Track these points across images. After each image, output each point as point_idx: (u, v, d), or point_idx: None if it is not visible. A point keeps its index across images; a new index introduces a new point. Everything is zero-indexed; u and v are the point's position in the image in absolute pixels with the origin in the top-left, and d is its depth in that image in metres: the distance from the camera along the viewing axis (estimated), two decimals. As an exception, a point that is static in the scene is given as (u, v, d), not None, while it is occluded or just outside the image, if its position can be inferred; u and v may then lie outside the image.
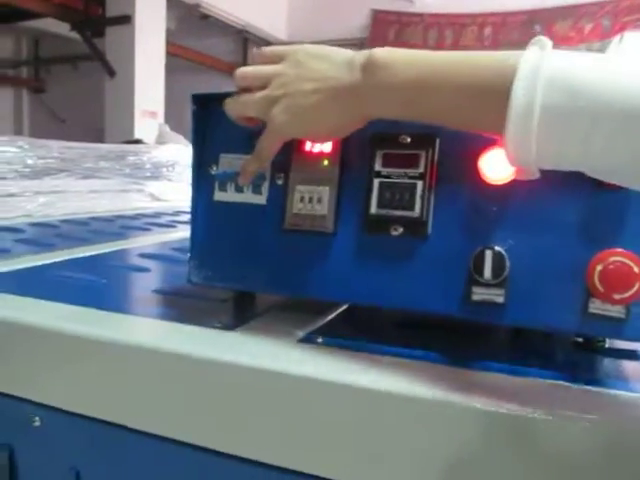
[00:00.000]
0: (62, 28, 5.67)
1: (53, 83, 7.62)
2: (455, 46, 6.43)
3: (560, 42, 5.92)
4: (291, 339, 0.56)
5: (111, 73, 5.37)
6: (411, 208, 0.54)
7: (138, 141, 3.51)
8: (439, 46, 6.48)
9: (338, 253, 0.57)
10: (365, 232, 0.56)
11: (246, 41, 7.37)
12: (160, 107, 5.48)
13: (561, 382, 0.48)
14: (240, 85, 0.56)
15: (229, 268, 0.62)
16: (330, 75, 0.50)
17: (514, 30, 6.22)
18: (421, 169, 0.54)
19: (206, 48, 7.01)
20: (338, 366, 0.50)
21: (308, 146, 0.59)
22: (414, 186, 0.54)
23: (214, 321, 0.60)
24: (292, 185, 0.59)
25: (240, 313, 0.65)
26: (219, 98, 0.63)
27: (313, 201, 0.58)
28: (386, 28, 6.79)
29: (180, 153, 2.79)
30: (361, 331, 0.61)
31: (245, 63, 7.42)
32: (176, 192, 2.48)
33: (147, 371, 0.55)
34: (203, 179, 0.63)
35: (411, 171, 0.54)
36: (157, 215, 1.77)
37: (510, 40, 6.20)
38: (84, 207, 1.98)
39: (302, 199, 0.58)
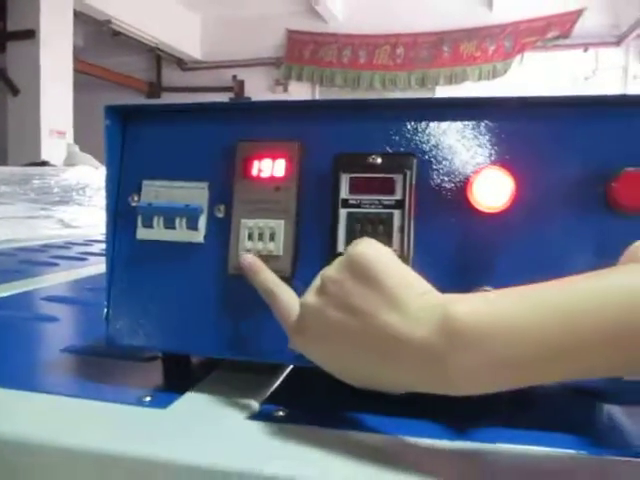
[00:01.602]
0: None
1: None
2: (369, 64, 6.56)
3: (467, 61, 6.18)
4: (243, 414, 0.44)
5: (14, 91, 5.04)
6: (388, 243, 0.43)
7: (44, 163, 3.25)
8: (353, 64, 6.59)
9: (298, 302, 0.45)
10: (331, 275, 0.45)
11: (159, 59, 7.16)
12: (69, 126, 5.20)
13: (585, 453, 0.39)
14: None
15: (158, 326, 0.49)
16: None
17: (424, 50, 6.42)
18: (398, 195, 0.44)
19: (118, 65, 6.74)
20: (325, 458, 0.38)
21: (255, 168, 0.47)
22: (390, 216, 0.44)
23: (141, 394, 0.47)
24: (236, 218, 0.47)
25: (173, 378, 0.52)
26: (139, 110, 0.50)
27: (264, 238, 0.46)
28: (301, 47, 6.82)
29: (91, 175, 2.61)
30: (332, 393, 0.49)
31: (159, 81, 7.25)
32: (88, 218, 2.30)
33: None
34: (121, 213, 0.50)
35: (386, 198, 0.44)
36: (66, 246, 1.59)
37: (422, 58, 6.40)
38: (-18, 236, 1.78)
39: (250, 236, 0.46)
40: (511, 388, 0.35)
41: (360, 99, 0.47)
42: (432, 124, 0.45)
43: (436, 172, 0.44)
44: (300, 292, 0.44)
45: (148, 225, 0.49)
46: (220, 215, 0.48)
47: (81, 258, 1.35)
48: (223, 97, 6.70)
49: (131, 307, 0.50)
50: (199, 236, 0.48)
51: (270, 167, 0.47)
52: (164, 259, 0.49)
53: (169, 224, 0.49)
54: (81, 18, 5.46)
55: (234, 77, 7.05)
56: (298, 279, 0.46)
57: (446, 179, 0.44)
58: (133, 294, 0.49)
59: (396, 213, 0.44)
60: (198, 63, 7.19)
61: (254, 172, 0.47)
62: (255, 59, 6.87)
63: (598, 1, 5.79)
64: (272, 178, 0.47)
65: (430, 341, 0.34)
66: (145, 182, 0.50)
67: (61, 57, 5.14)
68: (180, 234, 0.48)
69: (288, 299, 0.43)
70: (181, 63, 7.21)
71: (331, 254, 0.44)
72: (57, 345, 0.64)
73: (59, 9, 5.11)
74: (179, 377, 0.53)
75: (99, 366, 0.57)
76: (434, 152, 0.45)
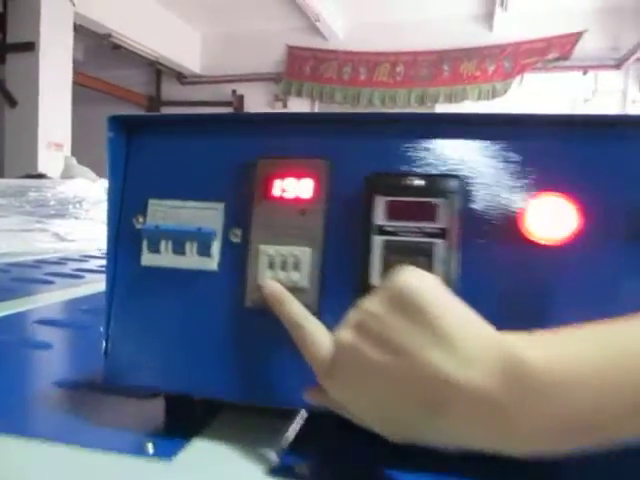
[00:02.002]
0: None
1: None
2: (369, 81, 6.56)
3: (466, 81, 6.19)
4: (261, 468, 0.39)
5: (12, 102, 5.00)
6: (428, 277, 0.38)
7: (41, 175, 3.20)
8: (353, 81, 6.59)
9: (324, 341, 0.40)
10: (363, 311, 0.39)
11: (159, 73, 7.14)
12: (67, 139, 5.15)
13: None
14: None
15: (164, 364, 0.43)
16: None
17: (424, 68, 6.42)
18: (441, 222, 0.39)
19: (118, 79, 6.72)
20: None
21: (277, 188, 0.42)
22: (432, 247, 0.39)
23: (143, 440, 0.41)
24: (255, 244, 0.42)
25: (177, 421, 0.47)
26: (146, 121, 0.45)
27: (287, 267, 0.41)
28: (301, 63, 6.82)
29: (88, 188, 2.56)
30: (360, 441, 0.44)
31: (159, 95, 7.23)
32: (84, 232, 2.24)
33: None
34: (124, 235, 0.45)
35: (428, 225, 0.39)
36: (62, 261, 1.54)
37: (422, 76, 6.40)
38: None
39: (271, 265, 0.41)
40: (586, 447, 0.29)
41: (398, 112, 0.41)
42: (480, 143, 0.40)
43: (484, 197, 0.39)
44: (329, 328, 0.39)
45: (154, 250, 0.44)
46: (236, 240, 0.43)
47: (77, 275, 1.30)
48: (222, 112, 6.67)
49: (133, 342, 0.44)
50: (212, 263, 0.43)
51: (295, 187, 0.41)
52: (172, 289, 0.43)
53: (178, 249, 0.43)
54: (81, 32, 5.45)
55: (233, 92, 7.02)
56: (326, 314, 0.40)
57: (495, 205, 0.39)
58: (136, 328, 0.44)
59: (439, 243, 0.38)
60: (198, 77, 7.18)
61: (276, 193, 0.42)
62: (255, 74, 6.86)
63: (598, 24, 5.82)
64: (297, 200, 0.41)
65: (490, 388, 0.29)
66: (152, 201, 0.44)
67: (60, 69, 5.12)
68: (191, 261, 0.43)
69: (319, 335, 0.37)
70: (181, 77, 7.19)
71: (363, 287, 0.39)
72: (49, 377, 0.58)
73: (59, 22, 5.10)
74: (183, 418, 0.47)
75: (95, 404, 0.51)
76: (482, 174, 0.39)
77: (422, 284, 0.32)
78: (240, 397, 0.42)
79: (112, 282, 0.45)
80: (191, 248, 0.43)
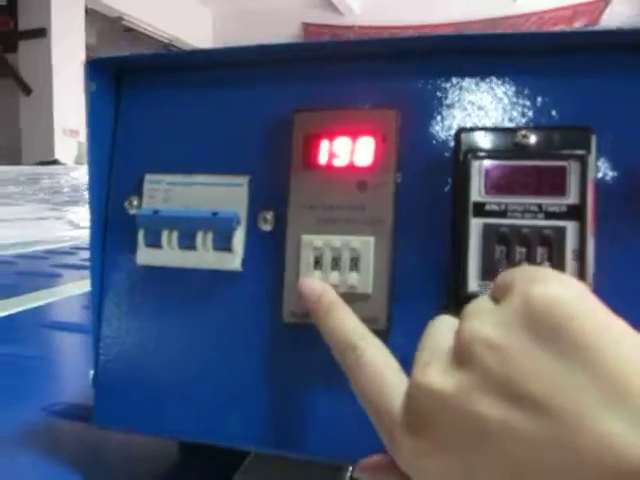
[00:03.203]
0: (-30, 43, 5.21)
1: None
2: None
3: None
4: None
5: (26, 90, 4.97)
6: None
7: (54, 162, 3.13)
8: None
9: (398, 371, 0.28)
10: (455, 328, 0.27)
11: (173, 55, 7.04)
12: (82, 125, 5.12)
13: None
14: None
15: (171, 402, 0.31)
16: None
17: (443, 42, 6.28)
18: (571, 197, 0.26)
19: (131, 62, 6.65)
20: None
21: (323, 154, 0.29)
22: (560, 233, 0.26)
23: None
24: (295, 233, 0.29)
25: (193, 459, 0.35)
26: (141, 66, 0.33)
27: (342, 266, 0.28)
28: (318, 39, 6.69)
29: (103, 174, 2.50)
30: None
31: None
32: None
33: None
34: (113, 225, 0.33)
35: (552, 201, 0.26)
36: (72, 251, 1.44)
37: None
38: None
39: (319, 262, 0.29)
40: None
41: (504, 33, 0.28)
42: (625, 82, 0.27)
43: (625, 159, 0.26)
44: (402, 357, 0.26)
45: (154, 244, 0.31)
46: (267, 228, 0.30)
47: (87, 266, 1.19)
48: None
49: (130, 371, 0.32)
50: (234, 261, 0.31)
51: (349, 151, 0.29)
52: (179, 297, 0.31)
53: (187, 242, 0.31)
54: (93, 15, 5.39)
55: (249, 73, 6.90)
56: (398, 334, 0.28)
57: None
58: (133, 351, 0.32)
59: (569, 227, 0.26)
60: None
61: (322, 159, 0.29)
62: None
63: (628, -11, 5.58)
64: (353, 168, 0.29)
65: None
66: (149, 177, 0.32)
67: (73, 55, 5.08)
68: (204, 258, 0.31)
69: (383, 367, 0.24)
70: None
71: (455, 295, 0.27)
72: (38, 399, 0.47)
73: (70, 7, 5.09)
74: (204, 471, 0.35)
75: (91, 440, 0.40)
76: (623, 126, 0.27)
77: (576, 300, 0.20)
78: (274, 447, 0.30)
79: (99, 289, 0.33)
80: (204, 240, 0.30)
